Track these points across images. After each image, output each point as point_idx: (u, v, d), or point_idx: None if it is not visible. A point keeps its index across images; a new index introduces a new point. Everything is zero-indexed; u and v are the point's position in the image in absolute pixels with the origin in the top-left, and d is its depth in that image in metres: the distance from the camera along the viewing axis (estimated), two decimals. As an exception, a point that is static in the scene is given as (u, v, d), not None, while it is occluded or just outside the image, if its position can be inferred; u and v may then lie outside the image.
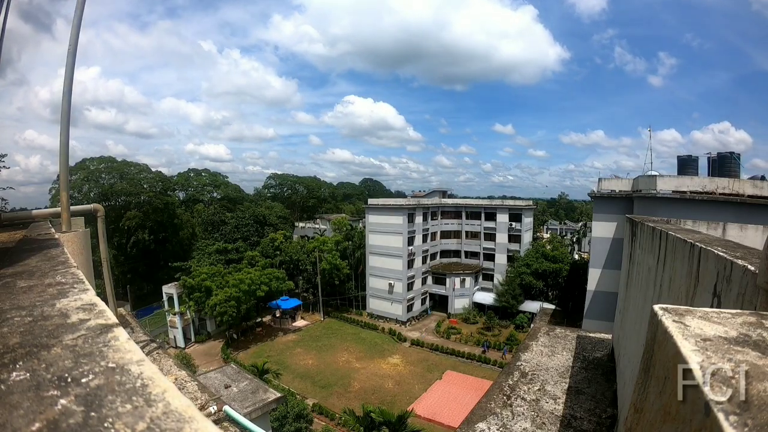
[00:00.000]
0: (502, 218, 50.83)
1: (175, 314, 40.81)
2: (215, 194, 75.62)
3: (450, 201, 57.13)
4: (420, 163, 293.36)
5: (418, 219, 49.20)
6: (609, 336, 7.31)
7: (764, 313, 0.92)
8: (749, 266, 1.62)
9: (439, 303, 51.10)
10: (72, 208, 4.28)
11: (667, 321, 0.82)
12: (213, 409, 4.04)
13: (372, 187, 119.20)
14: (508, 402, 4.73)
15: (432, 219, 52.15)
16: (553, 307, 42.93)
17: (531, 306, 44.67)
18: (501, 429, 4.20)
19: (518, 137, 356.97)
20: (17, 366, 0.68)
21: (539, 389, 5.06)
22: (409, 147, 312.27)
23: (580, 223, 65.07)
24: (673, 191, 16.60)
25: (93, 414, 0.53)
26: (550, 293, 45.01)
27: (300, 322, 47.02)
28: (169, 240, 58.99)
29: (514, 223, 50.37)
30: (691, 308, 0.90)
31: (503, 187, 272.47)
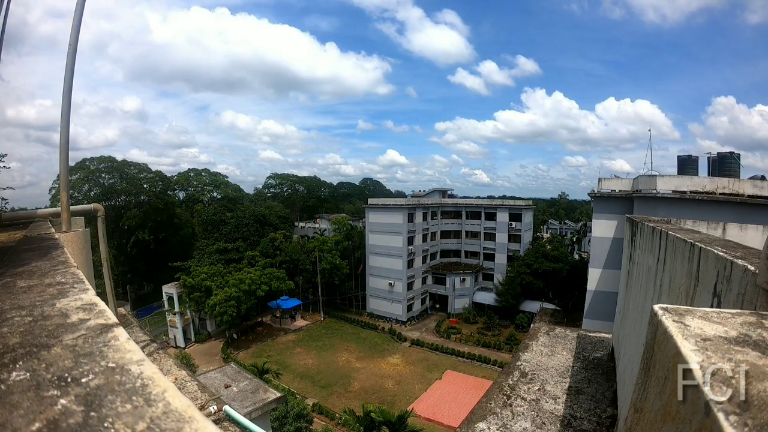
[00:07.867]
0: (502, 218, 50.86)
1: (175, 314, 40.86)
2: (215, 194, 75.61)
3: (450, 201, 57.16)
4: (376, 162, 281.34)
5: (418, 218, 49.22)
6: (609, 336, 7.32)
7: (764, 313, 0.92)
8: (749, 266, 1.62)
9: (439, 303, 51.13)
10: (72, 207, 4.28)
11: (667, 321, 0.82)
12: (213, 408, 4.04)
13: (372, 187, 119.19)
14: (508, 402, 4.73)
15: (432, 219, 52.16)
16: (553, 306, 42.96)
17: (531, 306, 44.72)
18: (501, 429, 4.20)
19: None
20: (17, 366, 0.68)
21: (539, 389, 5.06)
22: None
23: (580, 223, 64.98)
24: (673, 191, 16.61)
25: (93, 414, 0.53)
26: (550, 293, 45.04)
27: (300, 322, 47.05)
28: (169, 240, 59.00)
29: (514, 223, 50.41)
30: (691, 308, 0.90)
31: (477, 186, 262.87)
